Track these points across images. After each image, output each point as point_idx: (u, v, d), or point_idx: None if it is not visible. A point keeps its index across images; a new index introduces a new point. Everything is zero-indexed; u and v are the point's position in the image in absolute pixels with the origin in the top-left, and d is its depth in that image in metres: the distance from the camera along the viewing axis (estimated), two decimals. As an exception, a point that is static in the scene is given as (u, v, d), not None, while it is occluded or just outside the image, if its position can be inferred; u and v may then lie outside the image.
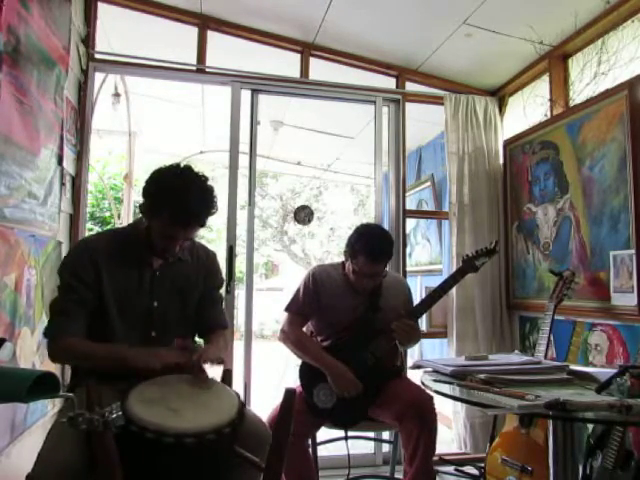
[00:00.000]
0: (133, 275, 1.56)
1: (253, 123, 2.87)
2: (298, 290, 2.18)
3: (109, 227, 6.52)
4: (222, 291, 1.83)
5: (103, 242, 1.57)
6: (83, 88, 2.59)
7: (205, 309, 1.69)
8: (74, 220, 2.53)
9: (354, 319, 2.10)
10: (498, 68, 3.02)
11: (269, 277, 13.55)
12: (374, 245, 2.03)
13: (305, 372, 2.08)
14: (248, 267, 2.89)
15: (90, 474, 1.16)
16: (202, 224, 1.52)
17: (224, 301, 1.90)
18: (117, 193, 6.56)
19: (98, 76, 2.82)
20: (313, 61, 2.99)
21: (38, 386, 1.04)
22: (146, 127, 4.73)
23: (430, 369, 1.78)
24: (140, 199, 1.57)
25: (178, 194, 1.43)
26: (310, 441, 2.05)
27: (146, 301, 1.56)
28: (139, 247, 1.57)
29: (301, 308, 2.15)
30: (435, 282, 2.21)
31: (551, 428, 1.53)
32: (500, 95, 3.18)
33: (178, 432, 1.19)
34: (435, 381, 1.62)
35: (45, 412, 2.15)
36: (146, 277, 1.58)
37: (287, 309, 2.18)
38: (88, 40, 2.59)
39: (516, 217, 2.94)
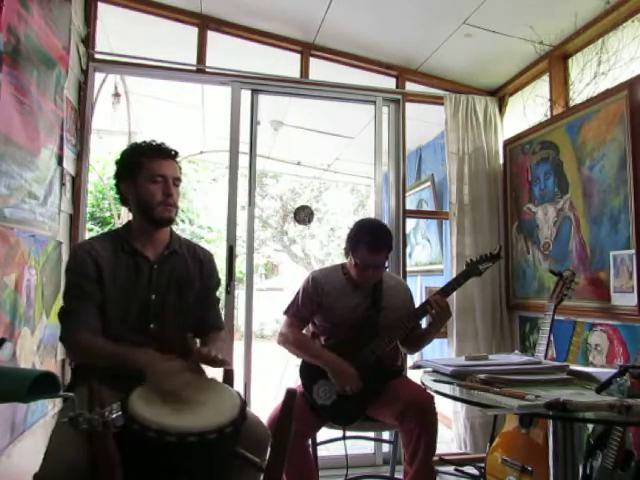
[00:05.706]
0: (131, 269, 1.59)
1: (253, 123, 2.87)
2: (297, 294, 2.20)
3: (109, 227, 6.52)
4: (219, 293, 1.85)
5: (100, 242, 1.62)
6: (83, 88, 2.58)
7: (202, 310, 1.70)
8: (74, 220, 2.53)
9: (356, 318, 2.11)
10: (498, 68, 3.01)
11: (269, 277, 13.54)
12: (373, 236, 2.07)
13: (305, 369, 2.10)
14: (248, 267, 2.89)
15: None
16: (174, 157, 1.65)
17: (223, 302, 1.90)
18: (117, 193, 6.55)
19: (98, 76, 2.82)
20: (313, 61, 2.98)
21: (38, 386, 1.03)
22: (146, 127, 4.73)
23: (430, 369, 1.79)
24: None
25: (145, 143, 1.65)
26: (310, 441, 2.05)
27: (144, 294, 1.59)
28: (133, 242, 1.62)
29: (300, 311, 2.16)
30: (435, 282, 2.22)
31: (551, 428, 1.53)
32: (500, 95, 3.18)
33: (180, 431, 1.19)
34: (435, 381, 1.62)
35: (45, 412, 2.14)
36: (145, 270, 1.61)
37: (286, 312, 2.20)
38: (88, 40, 2.59)
39: (516, 217, 2.94)
